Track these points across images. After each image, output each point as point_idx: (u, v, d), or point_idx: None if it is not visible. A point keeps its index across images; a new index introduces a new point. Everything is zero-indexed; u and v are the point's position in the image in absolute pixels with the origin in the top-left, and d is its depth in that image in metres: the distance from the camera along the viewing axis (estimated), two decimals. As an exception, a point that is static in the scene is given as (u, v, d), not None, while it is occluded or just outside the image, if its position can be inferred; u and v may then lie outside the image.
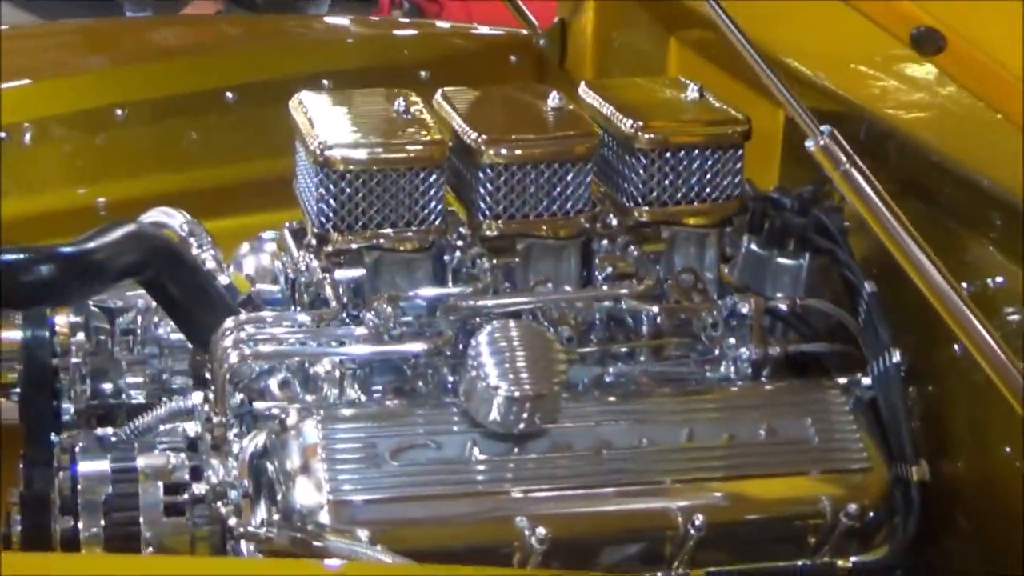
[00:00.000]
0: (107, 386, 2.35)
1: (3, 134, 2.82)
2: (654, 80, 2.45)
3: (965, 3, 1.74)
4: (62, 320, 2.31)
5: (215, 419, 2.01)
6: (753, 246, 2.29)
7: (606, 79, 2.43)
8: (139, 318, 2.35)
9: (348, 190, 2.11)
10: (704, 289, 2.23)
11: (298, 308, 2.20)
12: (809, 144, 1.68)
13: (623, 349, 2.21)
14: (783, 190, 2.33)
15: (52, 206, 2.78)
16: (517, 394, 1.96)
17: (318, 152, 2.09)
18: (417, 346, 2.06)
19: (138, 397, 2.36)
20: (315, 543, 1.87)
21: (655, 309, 2.20)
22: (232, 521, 1.91)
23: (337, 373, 2.11)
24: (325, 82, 2.72)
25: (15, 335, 2.29)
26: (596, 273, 2.22)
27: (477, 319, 2.10)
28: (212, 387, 2.06)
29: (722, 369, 2.21)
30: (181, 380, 2.36)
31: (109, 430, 2.23)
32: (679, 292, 2.22)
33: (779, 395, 2.15)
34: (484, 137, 2.14)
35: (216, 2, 4.27)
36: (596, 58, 3.02)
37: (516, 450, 2.01)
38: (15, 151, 2.81)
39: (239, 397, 2.09)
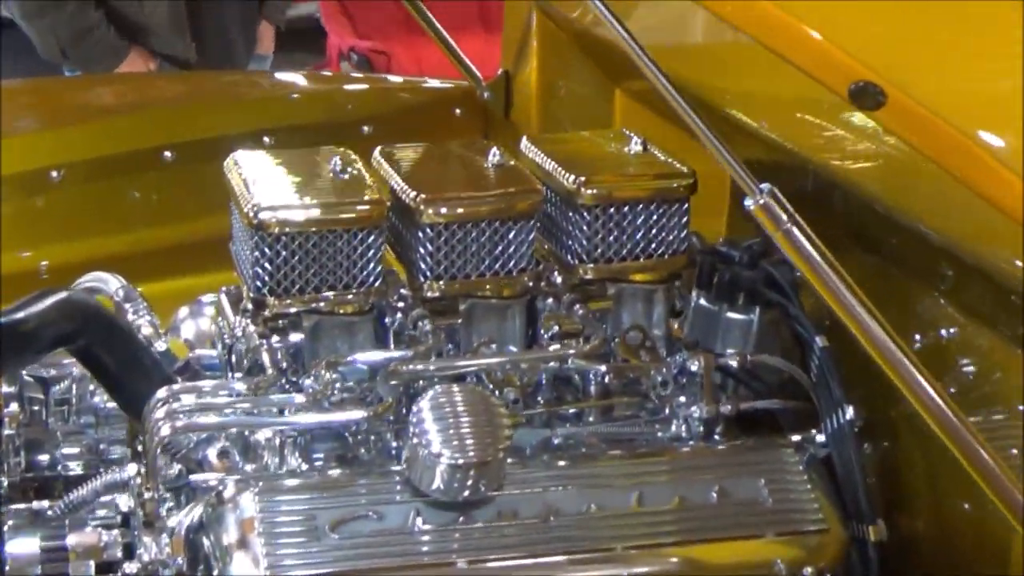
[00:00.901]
0: (42, 457, 2.28)
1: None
2: (597, 134, 2.40)
3: (903, 56, 1.70)
4: None
5: (146, 494, 1.94)
6: (702, 301, 2.24)
7: (548, 133, 2.38)
8: (74, 387, 2.28)
9: (284, 253, 2.05)
10: (653, 347, 2.18)
11: (235, 375, 2.14)
12: (748, 203, 1.64)
13: (571, 410, 2.16)
14: (731, 243, 2.27)
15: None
16: (461, 461, 1.90)
17: (252, 215, 2.04)
18: (357, 413, 2.00)
19: (75, 468, 2.30)
20: (252, 622, 1.81)
21: (603, 368, 2.14)
22: (165, 609, 1.84)
23: (277, 441, 2.05)
24: (266, 139, 2.67)
25: None
26: (541, 333, 2.17)
27: (420, 383, 2.04)
28: (144, 460, 1.99)
29: (673, 428, 2.16)
30: (119, 450, 2.29)
31: (45, 503, 2.16)
32: (627, 351, 2.17)
33: (731, 455, 2.09)
34: (422, 196, 2.09)
35: (148, 61, 4.21)
36: (541, 109, 2.97)
37: (461, 519, 1.95)
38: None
39: (176, 468, 2.03)
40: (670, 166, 2.21)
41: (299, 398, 2.01)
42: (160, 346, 2.24)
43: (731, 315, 2.22)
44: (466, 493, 1.92)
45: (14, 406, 2.25)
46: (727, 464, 2.07)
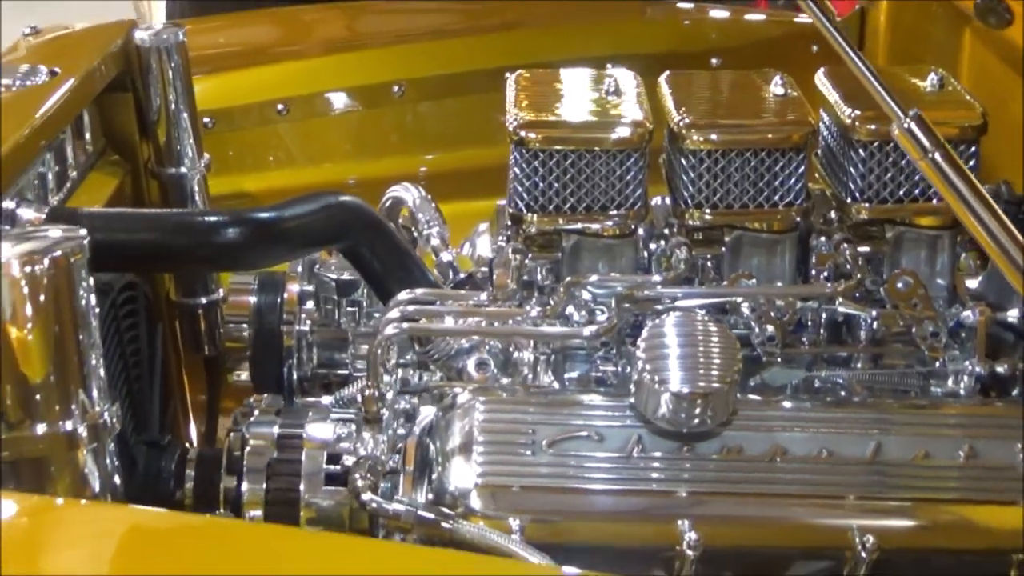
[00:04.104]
0: (334, 355, 2.37)
1: (282, 107, 2.89)
2: (905, 69, 2.27)
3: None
4: (294, 288, 2.35)
5: (367, 392, 1.98)
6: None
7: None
8: (366, 292, 2.36)
9: (541, 170, 2.05)
10: (925, 295, 2.05)
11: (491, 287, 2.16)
12: (893, 128, 1.51)
13: (841, 354, 2.07)
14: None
15: (322, 178, 2.82)
16: (687, 390, 1.85)
17: (513, 130, 2.05)
18: (577, 331, 1.98)
19: (363, 369, 2.37)
20: (443, 524, 1.82)
21: (872, 313, 2.05)
22: (366, 496, 1.88)
23: (532, 358, 2.06)
24: (609, 66, 2.65)
25: (248, 299, 2.35)
26: (812, 272, 2.09)
27: (655, 308, 2.00)
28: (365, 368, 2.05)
29: (949, 383, 2.04)
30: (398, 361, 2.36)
31: (325, 399, 2.25)
32: (896, 296, 2.06)
33: (989, 415, 1.95)
34: (687, 120, 2.04)
35: None
36: (891, 44, 2.83)
37: (682, 450, 1.90)
38: (288, 125, 2.88)
39: (437, 374, 2.08)
40: (962, 103, 2.07)
41: (529, 312, 2.01)
42: (445, 257, 2.28)
43: (1018, 272, 2.07)
44: (692, 423, 1.88)
45: (310, 304, 2.35)
46: (982, 424, 1.93)
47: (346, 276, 2.35)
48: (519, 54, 2.93)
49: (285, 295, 2.33)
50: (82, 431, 1.76)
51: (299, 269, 2.36)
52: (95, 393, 1.77)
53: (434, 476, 1.91)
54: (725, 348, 1.88)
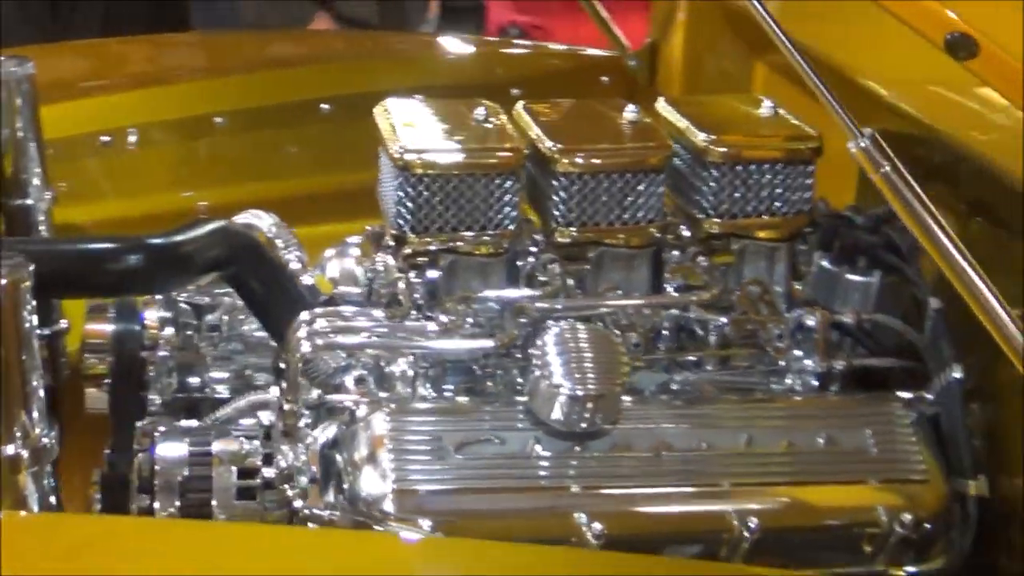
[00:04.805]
0: (192, 380, 2.43)
1: (108, 138, 2.94)
2: (731, 97, 2.51)
3: (997, 9, 1.78)
4: (152, 315, 2.40)
5: (287, 406, 2.08)
6: (824, 263, 2.33)
7: (685, 95, 2.49)
8: (225, 316, 2.44)
9: (426, 193, 2.18)
10: (772, 301, 2.27)
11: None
12: (851, 146, 1.73)
13: (690, 357, 2.27)
14: (856, 209, 2.37)
15: (153, 209, 2.88)
16: (580, 393, 2.02)
17: (398, 156, 2.18)
18: (485, 343, 2.12)
19: (221, 391, 2.45)
20: (376, 528, 1.94)
21: (723, 320, 2.25)
22: (298, 503, 1.98)
23: (410, 372, 2.19)
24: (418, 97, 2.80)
25: (107, 327, 2.39)
26: (665, 283, 2.28)
27: (546, 321, 2.16)
28: (284, 378, 2.14)
29: (788, 381, 2.26)
30: (264, 376, 2.44)
31: (193, 422, 2.32)
32: (746, 303, 2.27)
33: (840, 406, 2.18)
34: (560, 146, 2.21)
35: (330, 24, 4.40)
36: (684, 79, 3.08)
37: (577, 448, 2.06)
38: (119, 155, 2.93)
39: (315, 392, 2.18)
40: (798, 129, 2.30)
41: (432, 327, 2.14)
42: (306, 280, 2.38)
43: (851, 277, 2.31)
44: (583, 424, 2.04)
45: (169, 330, 2.41)
46: (835, 414, 2.16)
47: (205, 300, 2.43)
48: (333, 86, 3.06)
49: (145, 321, 2.39)
50: (24, 454, 1.81)
51: (157, 296, 2.42)
52: (35, 416, 1.82)
53: (345, 485, 2.03)
54: (613, 354, 2.06)
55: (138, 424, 2.22)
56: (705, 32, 3.08)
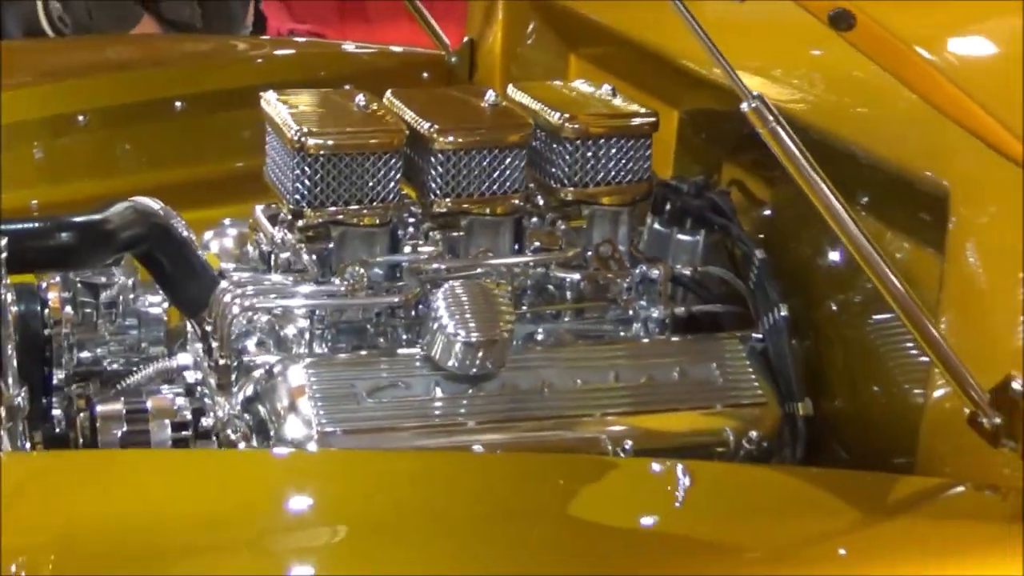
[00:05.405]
0: (89, 354, 2.65)
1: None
2: (570, 84, 2.84)
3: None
4: (53, 295, 2.60)
5: (221, 361, 2.33)
6: (656, 225, 2.68)
7: (529, 82, 2.81)
8: (120, 294, 2.65)
9: (320, 172, 2.45)
10: (619, 259, 2.61)
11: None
12: (744, 106, 2.06)
13: (551, 311, 2.59)
14: (680, 178, 2.72)
15: (35, 199, 3.07)
16: (473, 339, 2.32)
17: (296, 139, 2.43)
18: (393, 298, 2.41)
19: (116, 365, 2.67)
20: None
21: (578, 276, 2.58)
22: (242, 446, 2.23)
23: (306, 335, 2.45)
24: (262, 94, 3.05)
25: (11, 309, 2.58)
26: (527, 246, 2.59)
27: (434, 281, 2.45)
28: (214, 338, 2.38)
29: (635, 327, 2.60)
30: (157, 349, 2.67)
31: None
32: (598, 262, 2.60)
33: (687, 345, 2.52)
34: (436, 127, 2.50)
35: (156, 26, 4.60)
36: (503, 73, 3.40)
37: (471, 390, 2.36)
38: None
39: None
40: (638, 108, 2.64)
41: (338, 286, 2.41)
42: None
43: (680, 237, 2.65)
44: (475, 368, 2.34)
45: (68, 309, 2.61)
46: (685, 352, 2.49)
47: (101, 280, 2.64)
48: (185, 86, 3.29)
49: (49, 301, 2.59)
50: (1, 411, 2.02)
51: (56, 278, 2.62)
52: (9, 379, 2.02)
53: (271, 433, 2.28)
54: (498, 306, 2.36)
55: (69, 390, 2.43)
56: (520, 28, 3.40)
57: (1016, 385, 2.02)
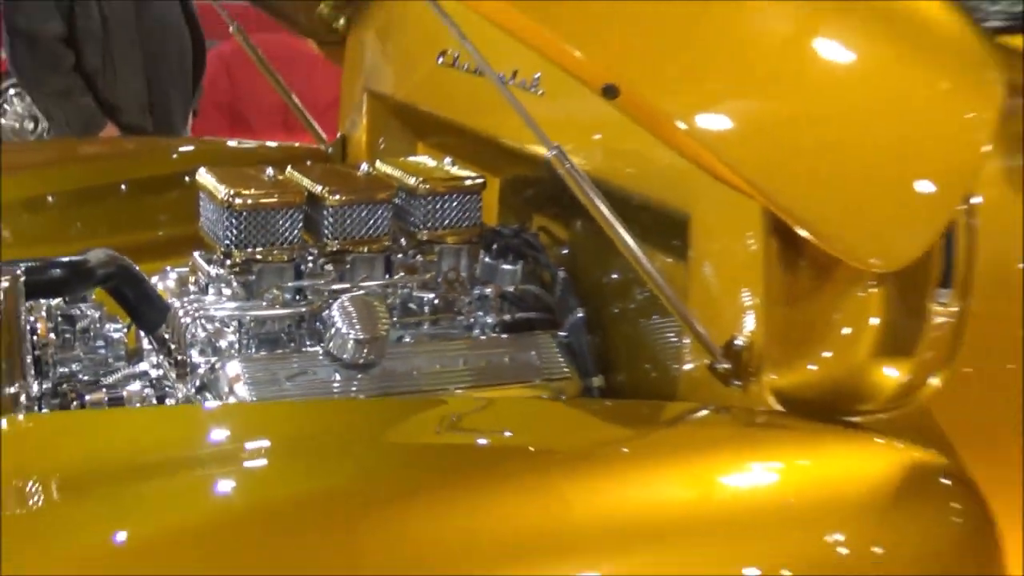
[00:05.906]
0: (65, 369, 3.51)
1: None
2: (420, 159, 3.81)
3: (636, 63, 2.59)
4: (40, 325, 3.48)
5: (180, 357, 3.23)
6: (487, 258, 3.58)
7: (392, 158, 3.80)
8: (91, 323, 3.54)
9: (244, 223, 3.37)
10: (462, 282, 3.54)
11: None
12: (547, 153, 2.78)
13: (414, 321, 3.52)
14: (503, 225, 3.67)
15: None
16: (361, 337, 3.20)
17: (226, 199, 3.36)
18: (301, 309, 3.32)
19: (86, 376, 3.52)
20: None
21: (432, 295, 3.51)
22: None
23: (236, 344, 3.36)
24: (187, 178, 3.93)
25: None
26: (394, 274, 3.53)
27: (330, 299, 3.38)
28: (172, 342, 3.28)
29: (475, 332, 3.54)
30: (120, 364, 3.54)
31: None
32: (447, 285, 3.54)
33: (513, 340, 3.39)
34: (327, 189, 3.44)
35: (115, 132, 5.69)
36: (368, 158, 4.35)
37: (360, 374, 3.20)
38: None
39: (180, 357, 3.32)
40: (470, 174, 3.60)
41: (265, 304, 3.32)
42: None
43: (505, 266, 3.54)
44: (363, 359, 3.20)
45: (52, 336, 3.49)
46: (512, 345, 3.35)
47: (76, 311, 3.51)
48: (128, 172, 4.26)
49: (37, 328, 3.46)
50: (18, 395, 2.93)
51: (43, 311, 3.49)
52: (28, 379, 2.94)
53: None
54: (380, 312, 3.27)
55: (63, 387, 3.31)
56: (381, 124, 4.38)
57: (738, 341, 2.89)
